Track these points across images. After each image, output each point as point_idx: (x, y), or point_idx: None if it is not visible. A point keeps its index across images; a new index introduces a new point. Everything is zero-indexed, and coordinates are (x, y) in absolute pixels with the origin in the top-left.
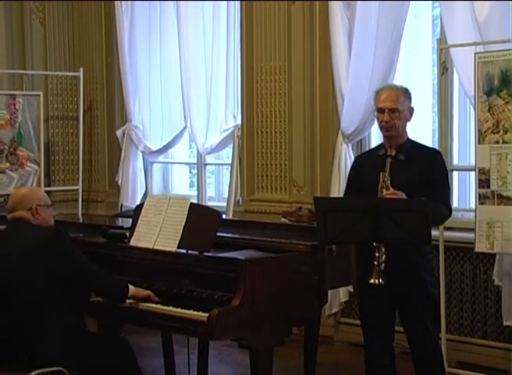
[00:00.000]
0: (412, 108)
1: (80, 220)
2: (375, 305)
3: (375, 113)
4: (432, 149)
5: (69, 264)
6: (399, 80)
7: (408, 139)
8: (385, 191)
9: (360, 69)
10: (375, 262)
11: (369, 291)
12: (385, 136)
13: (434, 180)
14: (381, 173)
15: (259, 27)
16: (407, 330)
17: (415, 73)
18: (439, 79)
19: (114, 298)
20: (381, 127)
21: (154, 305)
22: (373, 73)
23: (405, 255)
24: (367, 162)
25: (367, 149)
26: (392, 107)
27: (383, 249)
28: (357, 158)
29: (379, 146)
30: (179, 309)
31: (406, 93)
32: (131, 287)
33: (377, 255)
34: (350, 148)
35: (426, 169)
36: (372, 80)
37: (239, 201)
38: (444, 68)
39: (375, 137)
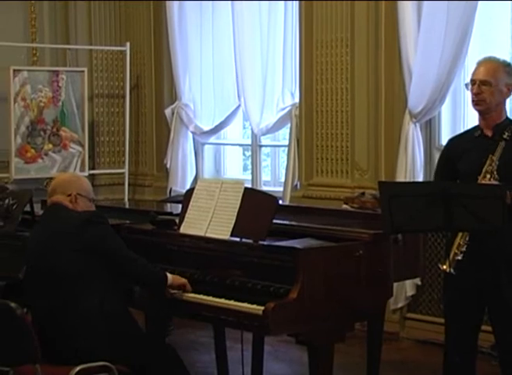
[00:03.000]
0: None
1: (127, 206)
2: (461, 298)
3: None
4: None
5: (106, 246)
6: (473, 54)
7: (507, 118)
8: (488, 176)
9: (431, 42)
10: (456, 250)
11: (455, 283)
12: (477, 112)
13: None
14: (490, 156)
15: None
16: (496, 329)
17: (491, 45)
18: None
19: (151, 286)
20: (472, 101)
21: (205, 297)
22: (444, 45)
23: (494, 240)
24: (461, 146)
25: (436, 130)
26: (483, 79)
27: (467, 238)
28: (449, 142)
29: (474, 128)
30: (232, 302)
31: (506, 67)
32: (169, 276)
33: (459, 242)
34: (418, 128)
35: None
36: (443, 54)
37: (296, 185)
38: None
39: (446, 117)
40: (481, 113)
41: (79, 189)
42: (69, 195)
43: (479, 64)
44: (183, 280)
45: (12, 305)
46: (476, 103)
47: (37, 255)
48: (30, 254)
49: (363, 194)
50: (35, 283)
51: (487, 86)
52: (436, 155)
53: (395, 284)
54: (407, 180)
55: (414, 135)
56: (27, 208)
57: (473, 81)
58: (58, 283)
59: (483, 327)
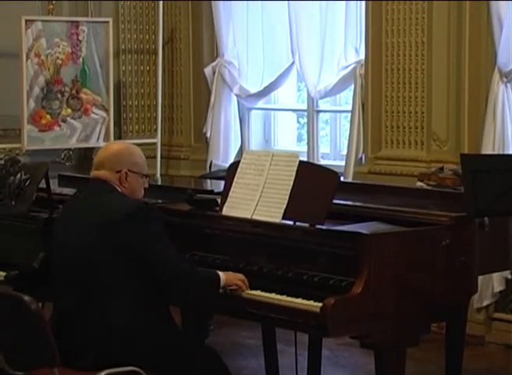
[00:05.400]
0: None
1: (159, 182)
2: None
3: None
4: None
5: (148, 252)
6: None
7: None
8: None
9: None
10: None
11: None
12: None
13: None
14: None
15: None
16: None
17: None
18: None
19: (198, 299)
20: None
21: (252, 292)
22: None
23: None
24: None
25: None
26: None
27: None
28: None
29: None
30: (284, 297)
31: None
32: (222, 277)
33: None
34: (510, 89)
35: None
36: None
37: (361, 159)
38: None
39: None
40: None
41: (131, 164)
42: (119, 172)
43: None
44: (238, 281)
45: (26, 298)
46: None
47: (66, 242)
48: (58, 239)
49: (441, 169)
50: (60, 276)
51: None
52: None
53: (480, 278)
54: (496, 152)
55: (504, 98)
56: (42, 184)
57: None
58: (89, 279)
59: None
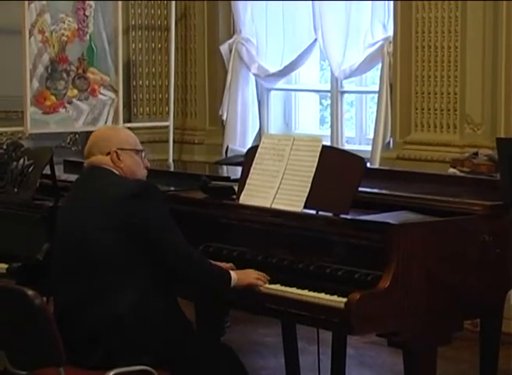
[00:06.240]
0: None
1: (171, 168)
2: None
3: None
4: None
5: (152, 231)
6: None
7: None
8: None
9: None
10: None
11: None
12: None
13: None
14: None
15: None
16: None
17: None
18: None
19: (210, 288)
20: None
21: (271, 286)
22: None
23: None
24: None
25: None
26: None
27: None
28: None
29: None
30: (305, 292)
31: None
32: (234, 277)
33: None
34: None
35: None
36: None
37: (389, 143)
38: None
39: None
40: None
41: (119, 143)
42: (109, 154)
43: None
44: (253, 280)
45: (30, 292)
46: None
47: (66, 233)
48: (60, 230)
49: (475, 154)
50: (62, 268)
51: None
52: None
53: None
54: None
55: None
56: (46, 170)
57: None
58: (91, 269)
59: None
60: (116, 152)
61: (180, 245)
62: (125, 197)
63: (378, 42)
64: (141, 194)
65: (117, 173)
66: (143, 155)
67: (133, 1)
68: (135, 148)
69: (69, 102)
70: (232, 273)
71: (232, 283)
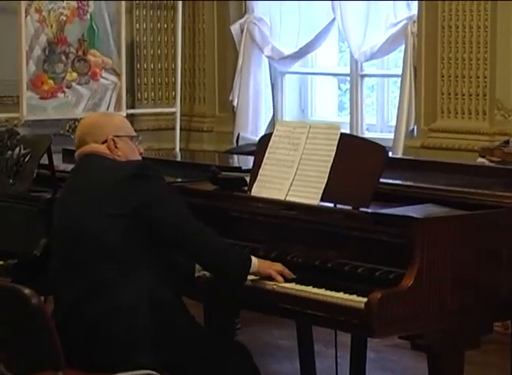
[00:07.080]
0: None
1: (178, 158)
2: None
3: None
4: None
5: (157, 210)
6: None
7: None
8: None
9: None
10: None
11: None
12: None
13: None
14: None
15: None
16: None
17: None
18: None
19: (226, 272)
20: None
21: (286, 285)
22: None
23: None
24: None
25: None
26: None
27: None
28: None
29: None
30: (322, 291)
31: None
32: (254, 260)
33: None
34: None
35: None
36: None
37: (413, 131)
38: None
39: None
40: None
41: (115, 130)
42: (105, 142)
43: None
44: (277, 268)
45: (27, 291)
46: None
47: (65, 228)
48: (57, 224)
49: (506, 143)
50: (61, 264)
51: None
52: None
53: None
54: None
55: None
56: (44, 160)
57: None
58: (93, 261)
59: None
60: (113, 140)
61: (189, 220)
62: (124, 179)
63: (401, 21)
64: (140, 173)
65: (110, 158)
66: (137, 140)
67: None
68: (130, 134)
69: (68, 87)
70: (253, 258)
71: (252, 268)
